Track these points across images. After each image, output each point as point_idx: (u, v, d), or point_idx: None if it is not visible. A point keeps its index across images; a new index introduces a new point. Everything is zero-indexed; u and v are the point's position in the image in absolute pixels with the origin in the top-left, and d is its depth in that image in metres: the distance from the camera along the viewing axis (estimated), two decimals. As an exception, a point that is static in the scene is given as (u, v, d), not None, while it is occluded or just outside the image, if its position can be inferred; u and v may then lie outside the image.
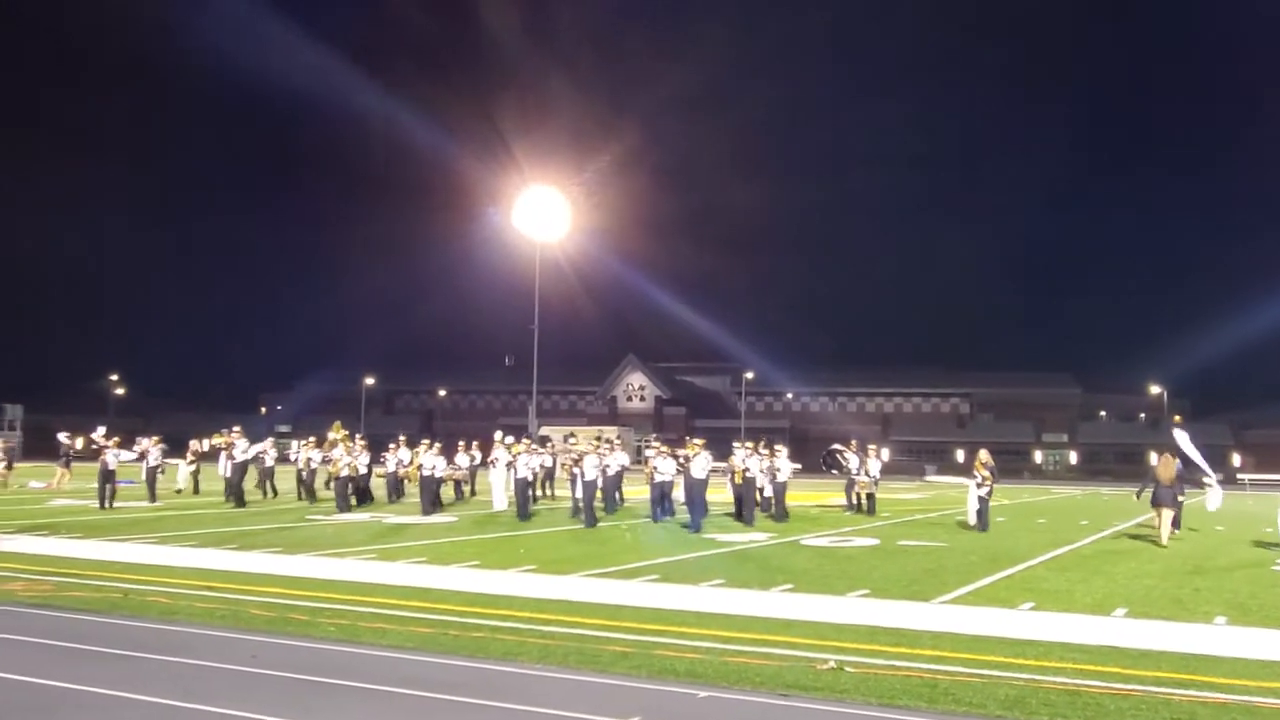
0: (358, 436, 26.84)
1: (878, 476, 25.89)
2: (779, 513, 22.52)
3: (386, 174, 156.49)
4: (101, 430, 25.79)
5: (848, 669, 7.74)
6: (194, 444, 30.78)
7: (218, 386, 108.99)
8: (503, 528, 20.18)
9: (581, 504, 21.47)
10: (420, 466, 23.42)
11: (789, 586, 12.17)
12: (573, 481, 23.41)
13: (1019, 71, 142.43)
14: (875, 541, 18.22)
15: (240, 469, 25.95)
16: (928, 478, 61.28)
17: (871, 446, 26.73)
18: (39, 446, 69.69)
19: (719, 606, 10.57)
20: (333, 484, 24.45)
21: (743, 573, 13.48)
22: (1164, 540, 17.89)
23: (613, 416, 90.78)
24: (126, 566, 13.20)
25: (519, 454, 23.44)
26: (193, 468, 31.09)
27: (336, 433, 25.94)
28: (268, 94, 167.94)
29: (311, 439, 29.38)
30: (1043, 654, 8.41)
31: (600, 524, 20.76)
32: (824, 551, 16.54)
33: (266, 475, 28.51)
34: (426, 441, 24.43)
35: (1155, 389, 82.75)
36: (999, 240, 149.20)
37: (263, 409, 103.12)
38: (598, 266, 75.74)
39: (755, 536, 18.76)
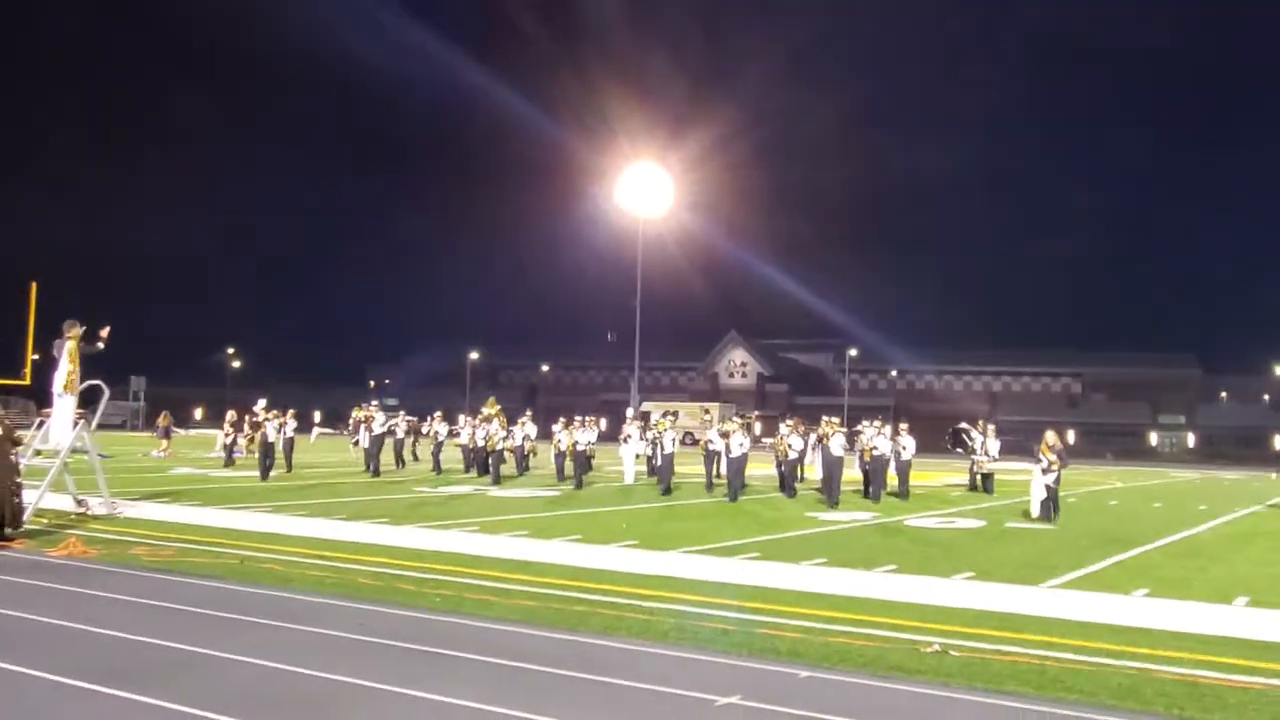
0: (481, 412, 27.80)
1: (996, 456, 25.83)
2: (902, 491, 22.72)
3: (491, 153, 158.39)
4: (262, 403, 26.63)
5: (952, 653, 7.60)
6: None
7: (327, 360, 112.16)
8: (646, 500, 20.85)
9: (727, 479, 21.93)
10: (576, 444, 24.24)
11: (892, 567, 12.01)
12: (708, 457, 24.19)
13: (1138, 53, 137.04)
14: (982, 523, 17.87)
15: (378, 441, 27.24)
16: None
17: (991, 426, 26.64)
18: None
19: (820, 586, 10.48)
20: (490, 457, 25.54)
21: (845, 552, 13.34)
22: None
23: (714, 393, 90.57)
24: (242, 534, 13.65)
25: (664, 430, 24.05)
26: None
27: (491, 408, 26.92)
28: (374, 77, 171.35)
29: (439, 413, 30.57)
30: (1157, 643, 8.13)
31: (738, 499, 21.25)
32: (928, 532, 16.28)
33: (399, 447, 29.85)
34: (582, 419, 25.24)
35: (1281, 370, 79.28)
36: (1116, 214, 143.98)
37: (370, 382, 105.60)
38: (700, 242, 75.45)
39: (858, 515, 18.56)
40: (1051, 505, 18.29)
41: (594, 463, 27.70)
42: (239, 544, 12.57)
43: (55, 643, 7.36)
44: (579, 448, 24.31)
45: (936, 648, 7.71)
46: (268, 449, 24.43)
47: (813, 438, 23.23)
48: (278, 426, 25.29)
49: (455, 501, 19.53)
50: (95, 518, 14.92)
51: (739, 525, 16.59)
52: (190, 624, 8.05)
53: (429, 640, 7.64)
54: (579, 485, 23.76)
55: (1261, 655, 7.80)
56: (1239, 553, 14.70)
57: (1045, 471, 18.32)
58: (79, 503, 15.36)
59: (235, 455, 29.72)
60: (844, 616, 8.90)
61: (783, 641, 7.83)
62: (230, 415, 30.09)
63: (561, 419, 26.23)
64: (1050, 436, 18.90)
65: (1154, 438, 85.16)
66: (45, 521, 14.13)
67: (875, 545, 14.31)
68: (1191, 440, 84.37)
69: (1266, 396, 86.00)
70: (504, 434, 25.63)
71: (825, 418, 22.29)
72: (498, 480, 24.55)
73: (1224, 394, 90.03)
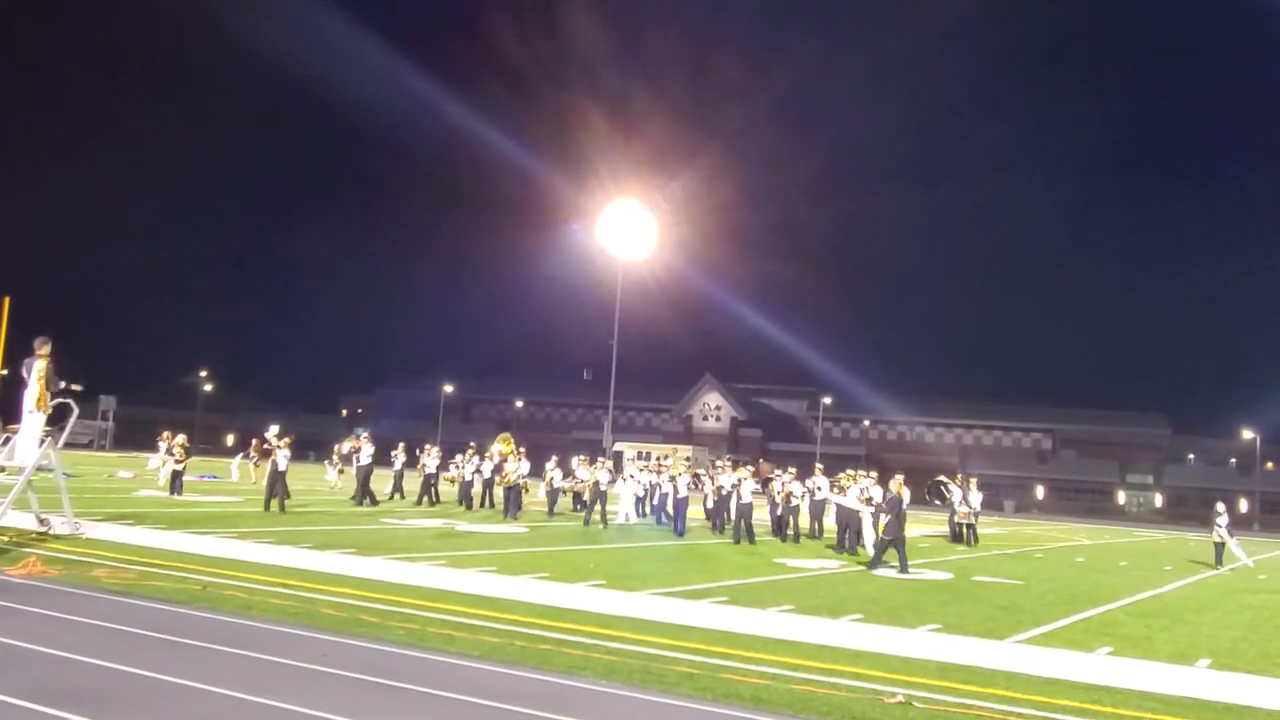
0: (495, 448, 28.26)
1: (978, 509, 26.51)
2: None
3: (472, 187, 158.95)
4: (274, 429, 25.94)
5: (917, 704, 7.59)
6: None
7: (301, 388, 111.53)
8: (647, 540, 20.61)
9: (734, 522, 22.60)
10: (597, 482, 24.91)
11: (858, 616, 12.01)
12: (719, 501, 24.93)
13: (1119, 109, 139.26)
14: (949, 575, 17.90)
15: (367, 470, 27.29)
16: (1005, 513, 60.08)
17: (973, 479, 27.45)
18: (129, 437, 72.32)
19: (787, 633, 10.47)
20: (506, 491, 25.81)
21: (812, 600, 13.33)
22: None
23: (688, 436, 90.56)
24: (206, 560, 13.49)
25: (679, 475, 24.82)
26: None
27: (505, 444, 27.07)
28: (357, 112, 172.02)
29: (428, 445, 30.60)
30: (1120, 701, 8.16)
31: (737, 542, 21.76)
32: (895, 583, 16.29)
33: (398, 478, 29.83)
34: (584, 458, 25.81)
35: (1248, 434, 79.99)
36: (1091, 273, 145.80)
37: (343, 411, 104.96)
38: (680, 283, 75.53)
39: (827, 564, 18.56)
40: (878, 552, 17.70)
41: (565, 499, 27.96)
42: (202, 569, 12.43)
43: (12, 663, 7.24)
44: (600, 487, 24.85)
45: (900, 699, 7.71)
46: (277, 478, 23.66)
47: (811, 483, 24.08)
48: (287, 456, 24.65)
49: (425, 534, 19.39)
50: (57, 537, 14.72)
51: (709, 568, 16.55)
52: (150, 648, 7.94)
53: (392, 674, 7.57)
54: (605, 524, 24.20)
55: (1222, 718, 7.84)
56: (1202, 614, 14.78)
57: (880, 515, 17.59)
58: (41, 521, 15.16)
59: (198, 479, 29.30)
60: (809, 664, 8.89)
61: (746, 688, 7.81)
62: (182, 438, 28.39)
63: (579, 458, 27.33)
64: (893, 484, 18.23)
65: (1122, 496, 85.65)
66: (6, 539, 13.93)
67: (843, 593, 14.31)
68: (1159, 500, 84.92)
69: (1234, 460, 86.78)
70: (516, 468, 25.81)
71: (846, 470, 23.39)
72: (517, 514, 24.89)
73: (1192, 455, 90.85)
